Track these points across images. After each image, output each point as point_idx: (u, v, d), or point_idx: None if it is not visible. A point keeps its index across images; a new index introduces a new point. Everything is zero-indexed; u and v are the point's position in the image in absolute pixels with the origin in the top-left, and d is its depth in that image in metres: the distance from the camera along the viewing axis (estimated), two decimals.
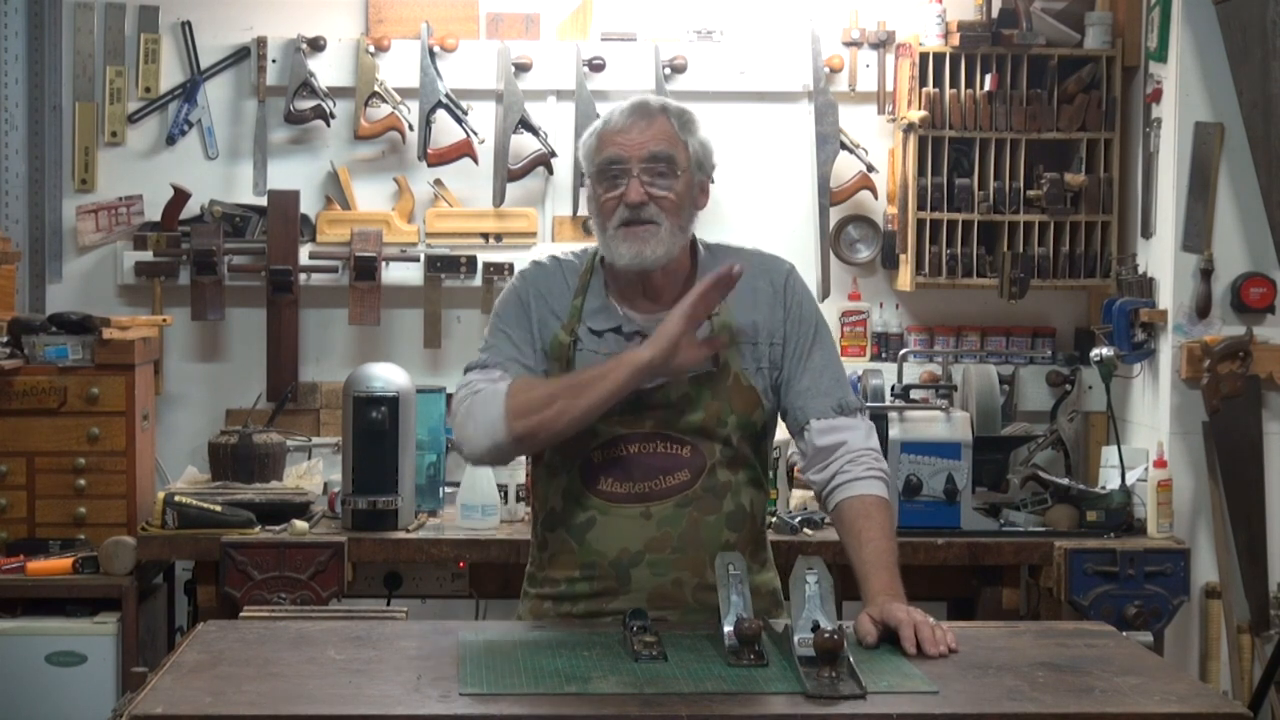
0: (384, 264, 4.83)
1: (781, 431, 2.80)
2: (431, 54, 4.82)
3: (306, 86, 4.82)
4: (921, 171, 4.73)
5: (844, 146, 4.88)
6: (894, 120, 4.84)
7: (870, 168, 4.89)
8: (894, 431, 4.19)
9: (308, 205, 4.89)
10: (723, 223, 4.73)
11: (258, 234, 4.88)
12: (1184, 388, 4.45)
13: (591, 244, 2.80)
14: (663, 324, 2.54)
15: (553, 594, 2.71)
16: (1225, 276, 4.44)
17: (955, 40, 4.73)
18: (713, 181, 2.74)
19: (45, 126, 4.85)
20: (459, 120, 4.83)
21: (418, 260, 4.87)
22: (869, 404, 4.20)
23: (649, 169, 2.60)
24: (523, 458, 4.20)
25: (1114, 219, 4.76)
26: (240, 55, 4.92)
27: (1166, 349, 4.47)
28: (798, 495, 4.39)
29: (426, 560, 4.17)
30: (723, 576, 2.43)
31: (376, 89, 4.84)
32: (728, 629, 2.37)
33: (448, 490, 4.40)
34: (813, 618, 2.33)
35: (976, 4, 4.85)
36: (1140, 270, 4.64)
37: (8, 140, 4.77)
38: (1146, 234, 4.64)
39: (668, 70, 4.87)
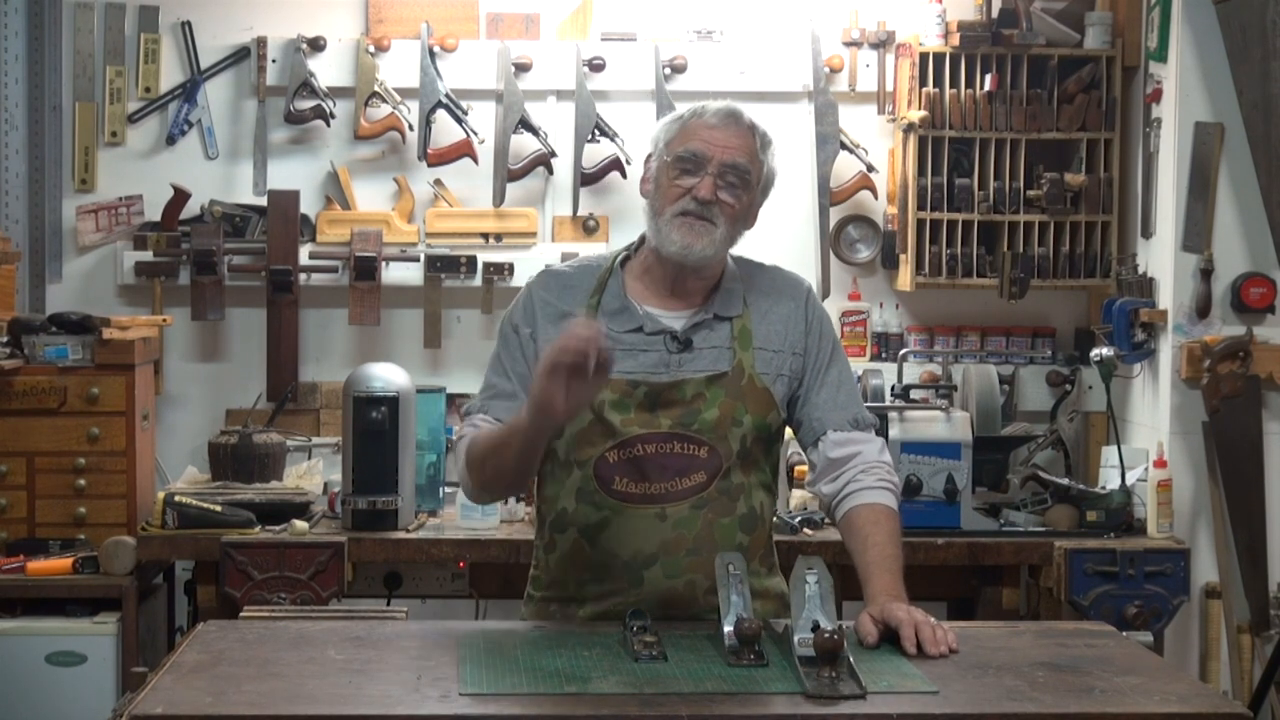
0: (384, 264, 4.83)
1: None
2: (431, 54, 4.82)
3: (306, 86, 4.82)
4: (921, 171, 4.73)
5: (844, 146, 4.88)
6: (894, 120, 4.84)
7: (870, 168, 4.89)
8: (894, 431, 4.19)
9: (308, 205, 4.89)
10: None
11: (258, 234, 4.88)
12: (1184, 388, 4.45)
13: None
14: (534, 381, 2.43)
15: (559, 596, 2.71)
16: (1225, 276, 4.44)
17: (955, 40, 4.73)
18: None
19: (45, 126, 4.85)
20: (459, 120, 4.83)
21: (418, 260, 4.87)
22: (869, 404, 4.19)
23: (725, 174, 2.63)
24: None
25: (1114, 219, 4.76)
26: (240, 55, 4.92)
27: (1166, 349, 4.47)
28: (798, 495, 4.39)
29: (426, 560, 4.17)
30: (722, 576, 2.43)
31: (376, 89, 4.84)
32: (728, 629, 2.37)
33: (448, 490, 4.40)
34: (813, 618, 2.33)
35: (976, 4, 4.85)
36: (1140, 270, 4.64)
37: (8, 140, 4.77)
38: (1146, 234, 4.64)
39: (668, 70, 4.87)
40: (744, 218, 2.69)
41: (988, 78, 4.71)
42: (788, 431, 2.82)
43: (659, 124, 2.74)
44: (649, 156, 2.74)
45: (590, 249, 4.74)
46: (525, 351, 2.70)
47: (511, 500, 4.28)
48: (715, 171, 2.63)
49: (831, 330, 2.80)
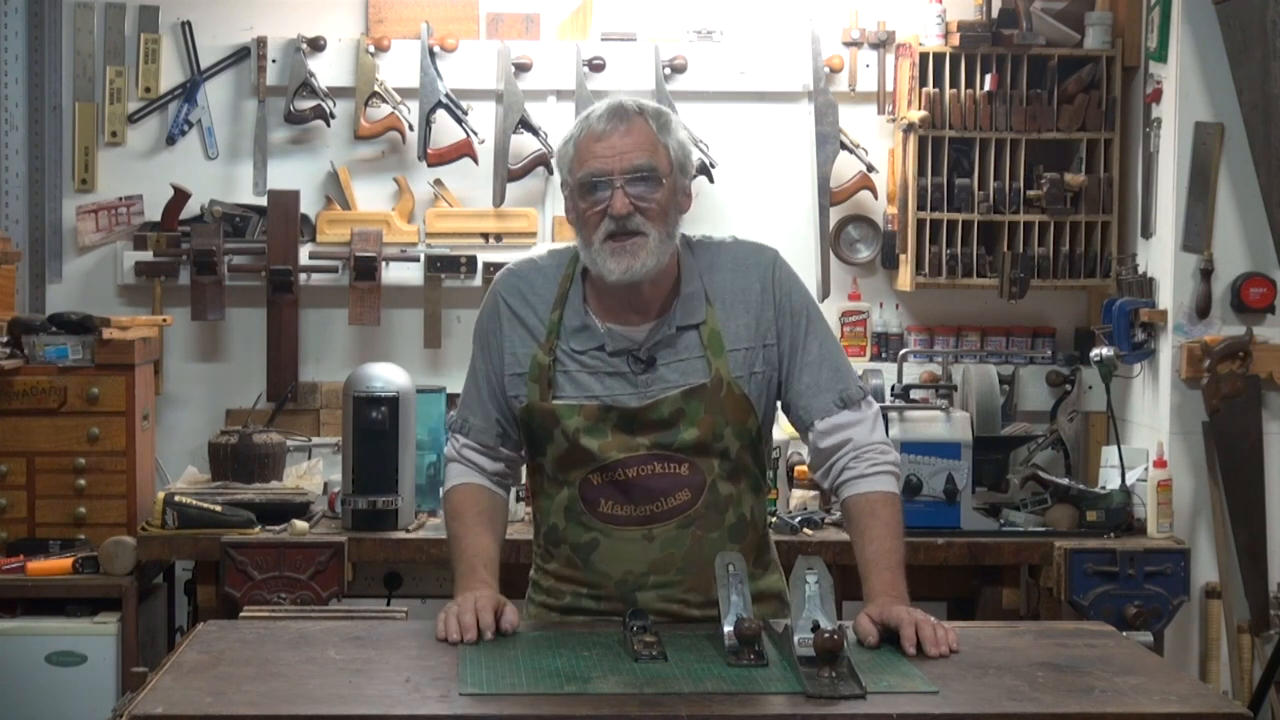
0: (384, 264, 4.83)
1: (779, 431, 2.79)
2: (431, 54, 4.82)
3: (306, 86, 4.82)
4: (921, 171, 4.73)
5: (844, 146, 4.88)
6: (894, 120, 4.84)
7: (870, 168, 4.89)
8: (894, 431, 4.18)
9: (308, 205, 4.89)
10: (723, 223, 4.74)
11: (258, 234, 4.88)
12: (1184, 388, 4.45)
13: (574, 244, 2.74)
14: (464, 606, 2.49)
15: (559, 605, 2.69)
16: (1225, 276, 4.44)
17: (955, 40, 4.73)
18: (695, 181, 2.70)
19: (45, 126, 4.85)
20: (459, 120, 4.83)
21: (418, 260, 4.87)
22: None
23: (631, 179, 2.53)
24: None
25: (1114, 219, 4.76)
26: (240, 55, 4.92)
27: (1166, 349, 4.47)
28: (798, 495, 4.39)
29: (426, 560, 4.17)
30: (722, 577, 2.43)
31: (376, 89, 4.84)
32: (728, 629, 2.36)
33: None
34: (813, 618, 2.33)
35: (976, 4, 4.85)
36: (1140, 270, 4.64)
37: (8, 140, 4.77)
38: (1146, 234, 4.64)
39: (668, 70, 4.87)
40: (673, 209, 2.58)
41: (988, 78, 4.71)
42: (783, 428, 2.79)
43: (556, 151, 2.65)
44: (561, 186, 2.65)
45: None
46: (504, 347, 2.65)
47: (511, 500, 4.26)
48: (620, 184, 2.52)
49: (803, 299, 2.67)
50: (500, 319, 2.67)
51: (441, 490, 2.80)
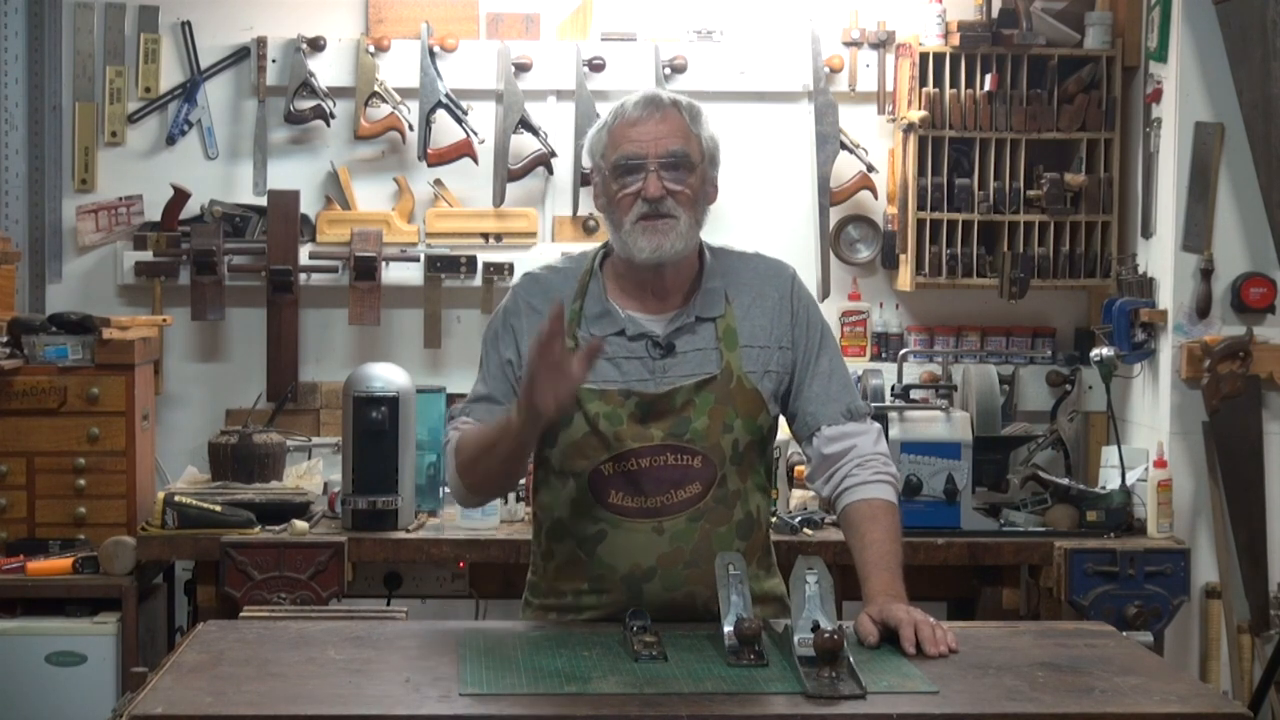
0: (384, 264, 4.83)
1: (780, 431, 2.80)
2: (431, 54, 4.82)
3: (306, 86, 4.82)
4: (921, 171, 4.73)
5: (844, 146, 4.88)
6: (894, 120, 4.84)
7: (870, 168, 4.89)
8: (894, 431, 4.19)
9: (308, 205, 4.89)
10: (722, 222, 4.73)
11: (258, 234, 4.88)
12: (1184, 388, 4.45)
13: (588, 247, 2.80)
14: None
15: (558, 605, 2.69)
16: (1225, 276, 4.44)
17: (955, 40, 4.73)
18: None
19: (45, 126, 4.85)
20: (459, 120, 4.83)
21: (418, 260, 4.87)
22: (871, 404, 4.19)
23: (665, 164, 2.59)
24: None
25: (1114, 219, 4.76)
26: (240, 55, 4.92)
27: (1166, 349, 4.47)
28: (798, 495, 4.39)
29: (426, 560, 4.17)
30: (722, 577, 2.43)
31: (376, 89, 4.84)
32: (728, 629, 2.37)
33: (447, 490, 4.39)
34: (813, 618, 2.33)
35: (976, 4, 4.85)
36: (1140, 270, 4.64)
37: (8, 140, 4.77)
38: (1146, 234, 4.64)
39: (668, 70, 4.87)
40: (702, 198, 2.65)
41: (988, 78, 4.71)
42: (784, 429, 2.81)
43: (588, 138, 2.71)
44: (591, 172, 2.71)
45: (590, 249, 4.74)
46: (519, 342, 2.67)
47: (511, 499, 4.28)
48: (655, 167, 2.59)
49: (819, 316, 2.75)
50: (520, 313, 2.70)
51: (444, 455, 2.79)
